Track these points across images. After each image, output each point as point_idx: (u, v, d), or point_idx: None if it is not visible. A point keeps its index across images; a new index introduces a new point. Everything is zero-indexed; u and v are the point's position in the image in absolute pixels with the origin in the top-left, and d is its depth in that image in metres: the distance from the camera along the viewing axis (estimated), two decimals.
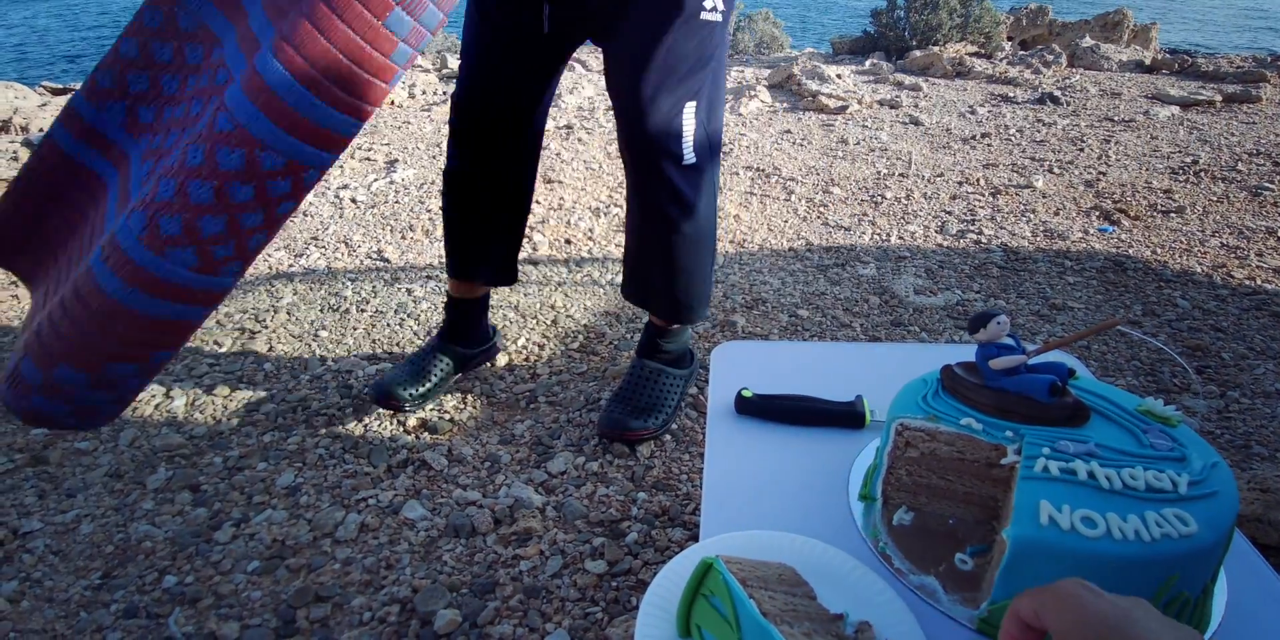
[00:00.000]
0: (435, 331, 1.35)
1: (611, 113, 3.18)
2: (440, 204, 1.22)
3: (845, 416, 0.69)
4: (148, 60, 0.66)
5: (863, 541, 0.54)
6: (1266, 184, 2.20)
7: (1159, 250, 1.79)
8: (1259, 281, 1.63)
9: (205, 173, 0.53)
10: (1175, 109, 3.10)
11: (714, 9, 0.96)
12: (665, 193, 1.03)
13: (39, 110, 3.28)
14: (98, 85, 0.67)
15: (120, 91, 0.66)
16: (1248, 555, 0.53)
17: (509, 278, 1.31)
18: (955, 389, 0.54)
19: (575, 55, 4.84)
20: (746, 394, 0.72)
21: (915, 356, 0.84)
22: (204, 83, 0.62)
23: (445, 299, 1.31)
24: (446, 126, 1.20)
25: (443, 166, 1.18)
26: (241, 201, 0.55)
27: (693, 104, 0.99)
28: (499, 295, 1.66)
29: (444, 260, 1.28)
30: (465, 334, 1.30)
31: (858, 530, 0.55)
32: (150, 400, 1.31)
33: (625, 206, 1.15)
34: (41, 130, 3.15)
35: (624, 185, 2.29)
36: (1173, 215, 2.00)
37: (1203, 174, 2.31)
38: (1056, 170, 2.37)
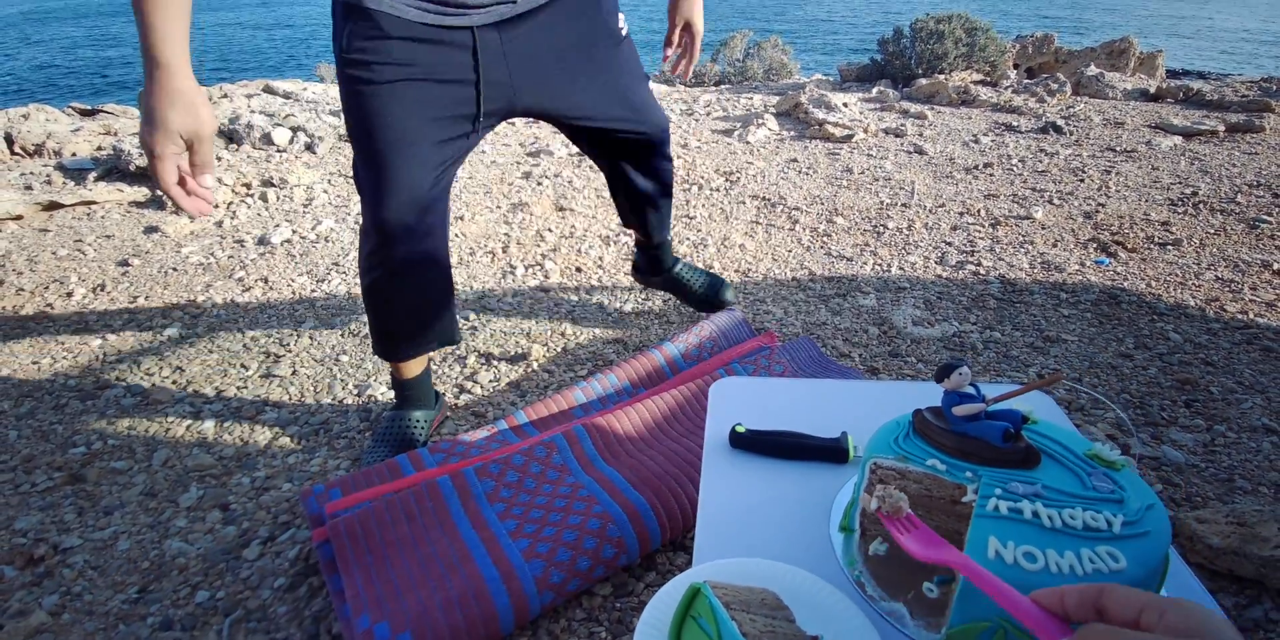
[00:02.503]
0: (381, 414, 1.36)
1: None
2: (366, 302, 1.18)
3: (831, 452, 0.75)
4: (525, 470, 1.05)
5: (841, 570, 0.59)
6: (1264, 216, 2.24)
7: (1154, 283, 1.83)
8: (1251, 315, 1.67)
9: (581, 552, 0.90)
10: (1178, 139, 3.16)
11: (622, 26, 1.20)
12: (666, 160, 1.37)
13: (72, 135, 3.41)
14: (487, 470, 1.04)
15: (496, 478, 1.03)
16: (1193, 590, 0.58)
17: (457, 335, 1.31)
18: (924, 432, 0.60)
19: None
20: (740, 429, 0.78)
21: (897, 395, 0.90)
22: (562, 489, 1.01)
23: (392, 379, 1.29)
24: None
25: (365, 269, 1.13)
26: (584, 569, 0.90)
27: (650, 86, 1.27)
28: (511, 321, 1.73)
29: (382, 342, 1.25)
30: (424, 399, 1.30)
31: (837, 559, 0.60)
32: (182, 422, 1.38)
33: (619, 183, 1.38)
34: (75, 155, 3.28)
35: None
36: (1169, 248, 2.04)
37: (1201, 206, 2.35)
38: (1056, 201, 2.43)
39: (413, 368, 1.26)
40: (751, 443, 0.77)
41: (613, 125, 1.22)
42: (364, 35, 0.94)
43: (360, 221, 1.20)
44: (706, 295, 1.64)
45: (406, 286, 1.13)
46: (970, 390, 0.59)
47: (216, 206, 2.57)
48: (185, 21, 0.77)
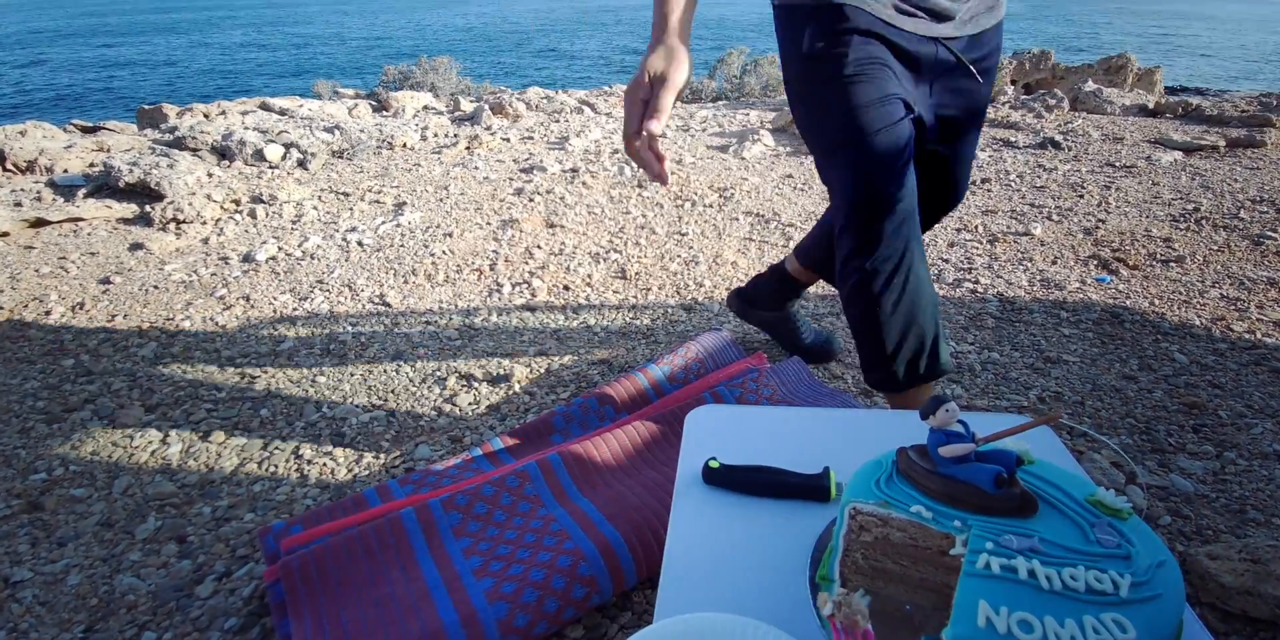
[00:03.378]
0: None
1: (618, 156, 3.25)
2: (875, 320, 1.06)
3: (811, 490, 0.69)
4: (495, 501, 1.00)
5: (819, 626, 0.53)
6: (1269, 232, 2.19)
7: (1157, 302, 1.78)
8: (1259, 335, 1.62)
9: (549, 593, 0.83)
10: (1178, 154, 3.12)
11: None
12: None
13: (65, 151, 3.39)
14: (454, 502, 0.98)
15: (464, 510, 0.98)
16: None
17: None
18: (909, 474, 0.54)
19: (584, 98, 4.93)
20: (714, 464, 0.72)
21: (885, 426, 0.84)
22: (534, 523, 0.95)
23: None
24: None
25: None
26: (553, 611, 0.83)
27: None
28: (495, 341, 1.68)
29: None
30: None
31: (814, 612, 0.55)
32: (147, 446, 1.33)
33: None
34: (66, 171, 3.26)
35: (625, 230, 2.34)
36: (1172, 265, 2.00)
37: (1204, 222, 2.31)
38: (1055, 217, 2.38)
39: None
40: (726, 479, 0.71)
41: (954, 188, 1.17)
42: (830, 32, 0.94)
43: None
44: (816, 343, 1.51)
45: (914, 291, 1.05)
46: (958, 427, 0.53)
47: (205, 223, 2.54)
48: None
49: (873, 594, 0.55)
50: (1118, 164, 2.97)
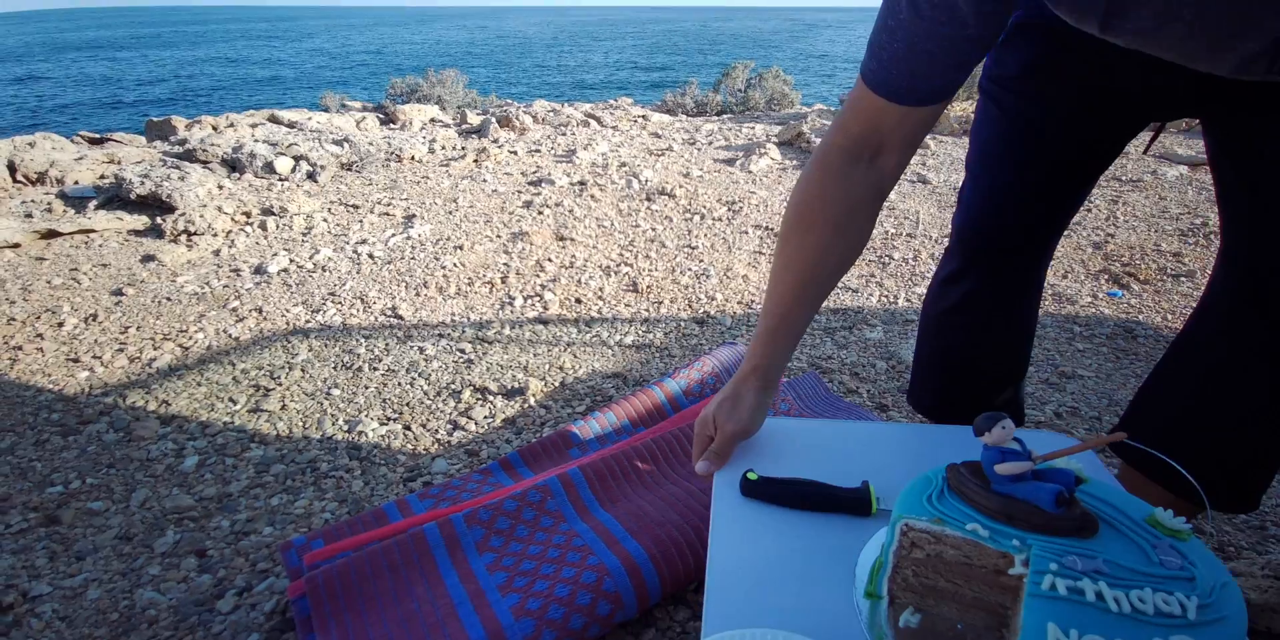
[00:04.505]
0: None
1: (625, 169, 3.27)
2: None
3: (851, 503, 0.69)
4: (517, 516, 0.98)
5: None
6: None
7: (1169, 316, 1.78)
8: None
9: (574, 609, 0.82)
10: (1184, 168, 3.14)
11: None
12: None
13: (75, 163, 3.42)
14: (477, 516, 0.97)
15: (487, 525, 0.97)
16: None
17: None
18: (961, 491, 0.54)
19: (590, 111, 5.00)
20: (751, 476, 0.72)
21: (921, 440, 0.83)
22: (556, 538, 0.94)
23: None
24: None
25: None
26: (578, 628, 0.82)
27: None
28: (509, 354, 1.69)
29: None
30: None
31: (862, 629, 0.55)
32: (164, 459, 1.33)
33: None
34: (77, 183, 3.28)
35: (635, 243, 2.35)
36: (1183, 279, 2.00)
37: (1213, 236, 2.32)
38: (1065, 231, 2.39)
39: None
40: (765, 492, 0.71)
41: None
42: None
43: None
44: None
45: None
46: (1014, 445, 0.53)
47: (216, 235, 2.55)
48: (786, 340, 0.78)
49: (923, 612, 0.55)
50: (1124, 178, 2.99)
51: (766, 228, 2.50)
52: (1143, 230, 2.39)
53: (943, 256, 1.01)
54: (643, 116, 5.10)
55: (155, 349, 1.76)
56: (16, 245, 2.50)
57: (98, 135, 5.21)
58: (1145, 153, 1.12)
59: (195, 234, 2.55)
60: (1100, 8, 0.52)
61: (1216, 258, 0.81)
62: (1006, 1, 0.59)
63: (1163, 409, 0.86)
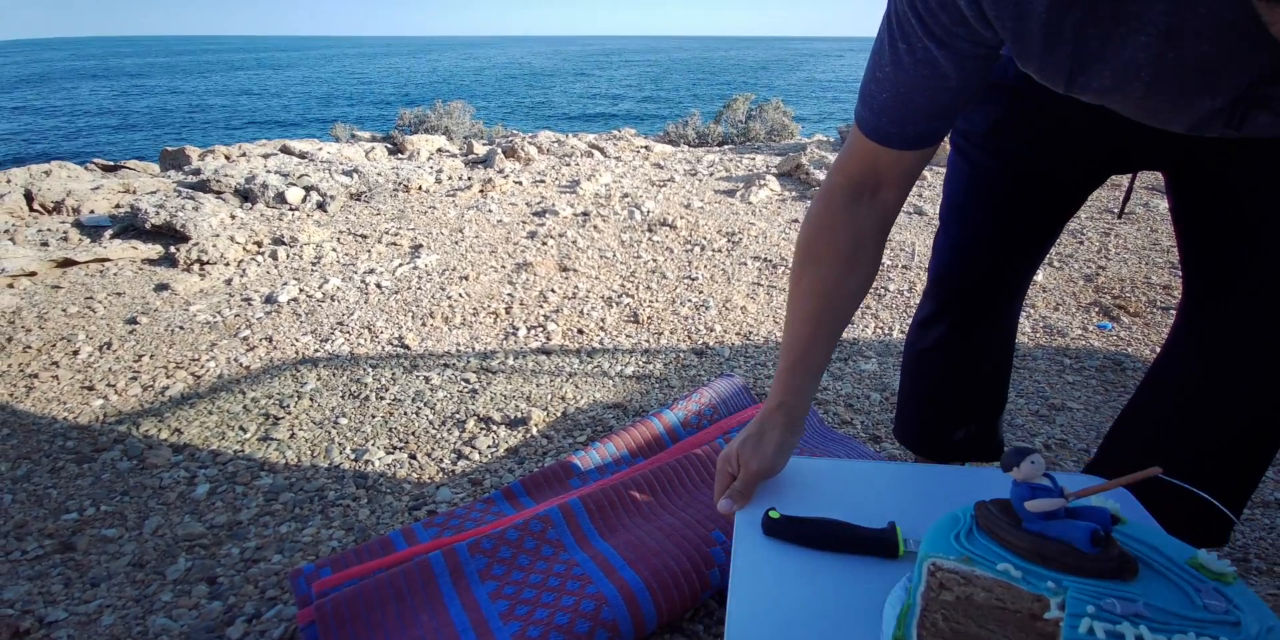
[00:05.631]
0: None
1: (627, 200, 3.35)
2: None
3: (877, 544, 0.67)
4: (519, 545, 1.02)
5: None
6: None
7: (1158, 349, 1.82)
8: None
9: (573, 637, 0.85)
10: None
11: None
12: None
13: (91, 192, 3.50)
14: (480, 546, 1.00)
15: (490, 554, 1.00)
16: None
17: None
18: (990, 529, 0.52)
19: (594, 142, 5.10)
20: (774, 515, 0.71)
21: (947, 481, 0.81)
22: (557, 568, 0.98)
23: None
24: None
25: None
26: None
27: None
28: (512, 384, 1.73)
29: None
30: None
31: None
32: (176, 487, 1.36)
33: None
34: (93, 212, 3.37)
35: (637, 274, 2.41)
36: (1172, 312, 2.04)
37: None
38: (1057, 263, 2.44)
39: None
40: (787, 530, 0.69)
41: None
42: None
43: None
44: None
45: None
46: (1045, 482, 0.51)
47: (228, 264, 2.62)
48: (807, 375, 0.79)
49: None
50: (1116, 210, 3.05)
51: (765, 259, 2.56)
52: (1134, 263, 2.44)
53: (921, 299, 1.06)
54: (646, 147, 5.21)
55: (168, 377, 1.80)
56: (33, 274, 2.56)
57: (111, 163, 5.33)
58: (1119, 216, 1.17)
59: (208, 263, 2.61)
60: (1065, 67, 0.57)
61: (1179, 305, 0.85)
62: (985, 58, 0.63)
63: (1130, 451, 0.90)
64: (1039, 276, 2.31)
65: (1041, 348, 1.84)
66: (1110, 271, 2.35)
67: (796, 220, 3.06)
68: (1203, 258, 0.80)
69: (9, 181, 3.62)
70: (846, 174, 0.75)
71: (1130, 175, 0.90)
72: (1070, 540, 0.48)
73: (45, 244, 2.86)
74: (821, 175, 3.65)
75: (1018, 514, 0.51)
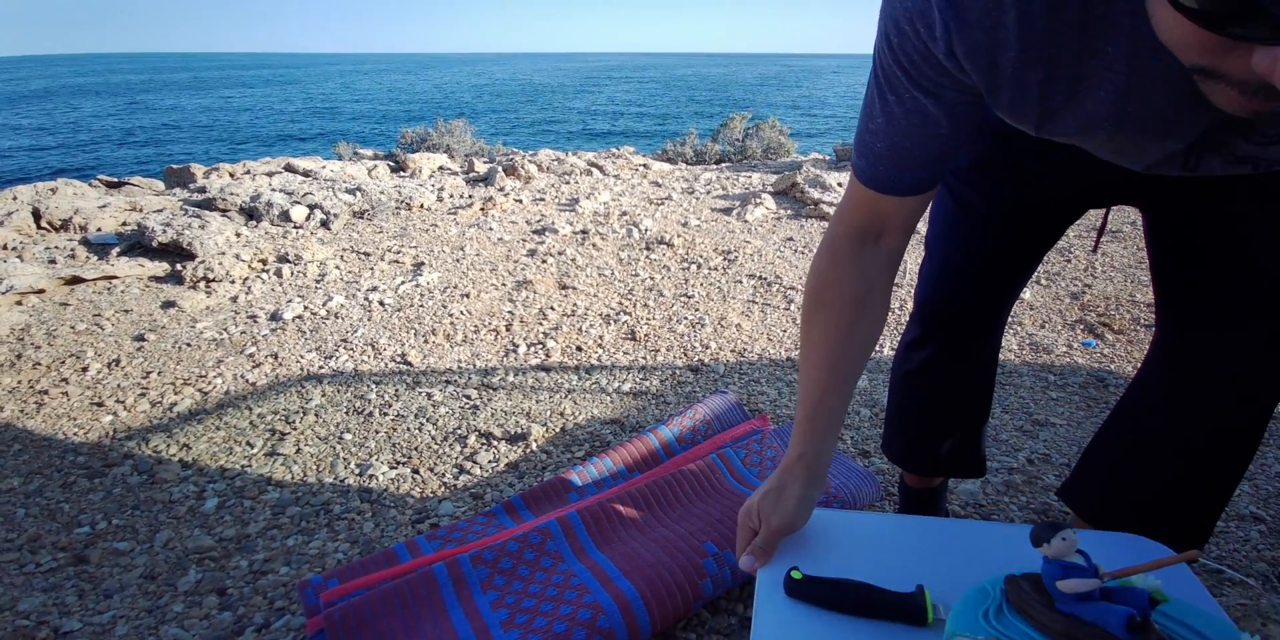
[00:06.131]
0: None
1: (625, 218, 3.41)
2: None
3: (905, 610, 0.64)
4: (519, 557, 1.06)
5: None
6: None
7: (1139, 366, 1.87)
8: None
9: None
10: None
11: None
12: (1262, 421, 0.82)
13: (99, 210, 3.57)
14: (482, 557, 1.05)
15: (491, 565, 1.04)
16: None
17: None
18: (1021, 607, 0.50)
19: (593, 160, 5.17)
20: (796, 575, 0.69)
21: (983, 537, 0.77)
22: (555, 578, 1.02)
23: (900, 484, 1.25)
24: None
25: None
26: None
27: None
28: (513, 400, 1.77)
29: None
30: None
31: None
32: (185, 501, 1.40)
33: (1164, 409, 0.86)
34: (100, 230, 3.43)
35: (634, 292, 2.46)
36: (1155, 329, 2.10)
37: None
38: (1044, 282, 2.50)
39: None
40: (810, 592, 0.66)
41: None
42: None
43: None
44: None
45: None
46: (1078, 559, 0.49)
47: (234, 282, 2.67)
48: (826, 425, 0.78)
49: None
50: (1110, 213, 3.12)
51: (760, 277, 2.62)
52: (1120, 281, 2.50)
53: (908, 322, 1.11)
54: (644, 165, 5.30)
55: (176, 393, 1.85)
56: (41, 291, 2.61)
57: (116, 180, 5.40)
58: (1093, 252, 1.21)
59: (214, 281, 2.67)
60: (1034, 116, 0.62)
61: (1154, 333, 0.89)
62: (973, 104, 0.66)
63: (1102, 476, 0.94)
64: (1026, 294, 2.37)
65: (1027, 364, 1.89)
66: (1096, 289, 2.41)
67: (791, 238, 3.12)
68: (1174, 290, 0.83)
69: (15, 199, 3.69)
70: (849, 223, 0.77)
71: (1104, 210, 0.96)
72: (1104, 624, 0.46)
73: (53, 261, 2.91)
74: (816, 193, 3.72)
75: (1050, 592, 0.49)
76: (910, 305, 2.33)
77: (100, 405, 1.80)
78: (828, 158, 5.69)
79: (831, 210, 3.51)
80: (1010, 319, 2.18)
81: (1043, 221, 0.94)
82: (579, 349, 2.06)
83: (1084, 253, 2.80)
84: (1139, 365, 1.81)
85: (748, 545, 0.76)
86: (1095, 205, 0.92)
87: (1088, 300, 2.32)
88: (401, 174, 5.10)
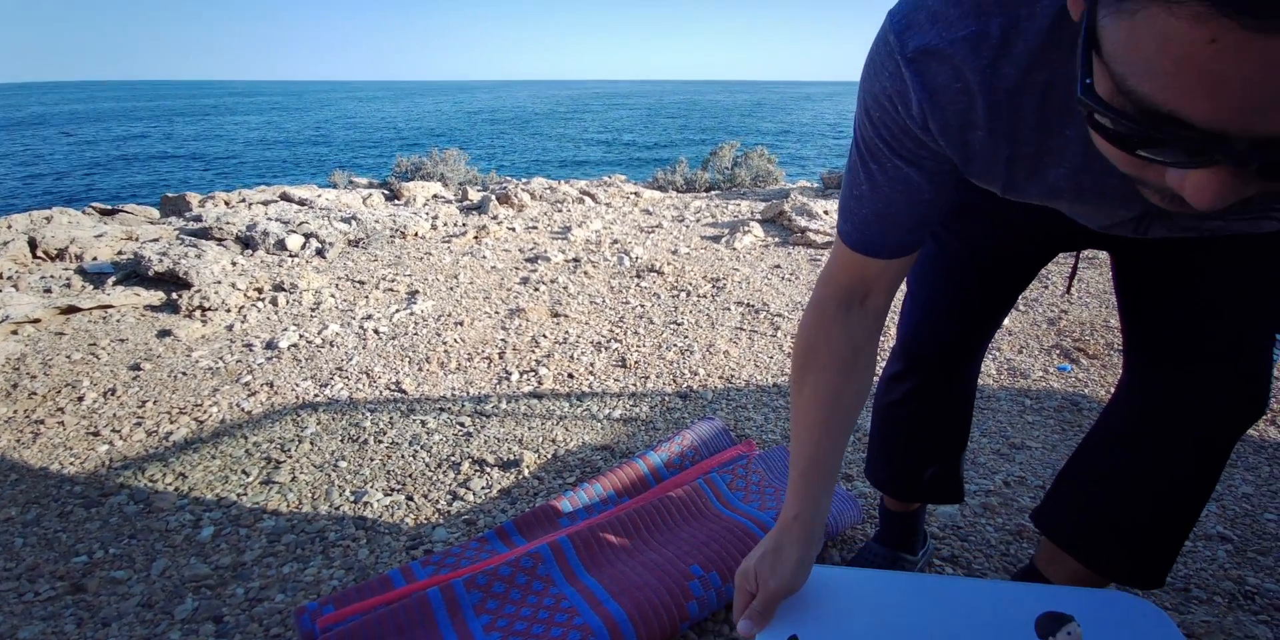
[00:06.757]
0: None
1: (617, 246, 3.48)
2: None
3: None
4: (512, 581, 1.10)
5: None
6: None
7: (1113, 390, 1.93)
8: None
9: None
10: None
11: None
12: (1221, 455, 0.85)
13: (95, 240, 3.60)
14: (475, 581, 1.08)
15: (484, 589, 1.08)
16: None
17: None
18: None
19: (585, 188, 5.26)
20: None
21: (984, 596, 0.77)
22: (546, 601, 1.06)
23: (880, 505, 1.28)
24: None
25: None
26: None
27: None
28: (505, 427, 1.81)
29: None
30: (908, 543, 1.25)
31: None
32: (181, 529, 1.43)
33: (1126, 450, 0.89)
34: (95, 259, 3.46)
35: (625, 319, 2.52)
36: None
37: None
38: (1023, 307, 2.57)
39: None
40: None
41: None
42: None
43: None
44: None
45: None
46: None
47: (229, 311, 2.71)
48: (821, 483, 0.78)
49: None
50: (1081, 255, 3.21)
51: (748, 304, 2.68)
52: (1095, 307, 2.57)
53: (890, 356, 1.16)
54: (635, 193, 5.40)
55: (172, 422, 1.87)
56: (37, 320, 2.64)
57: (110, 207, 5.45)
58: (1067, 292, 1.28)
59: (210, 309, 2.70)
60: (1001, 183, 0.67)
61: (1123, 368, 0.94)
62: (954, 172, 0.70)
63: (1071, 505, 0.97)
64: (1005, 321, 2.44)
65: (1005, 389, 1.95)
66: (1072, 315, 2.48)
67: (779, 266, 3.20)
68: (1138, 328, 0.89)
69: (10, 227, 3.72)
70: (836, 285, 0.81)
71: (1075, 254, 1.02)
72: None
73: (49, 291, 2.95)
74: (803, 221, 3.81)
75: None
76: (892, 331, 2.39)
77: (96, 435, 1.82)
78: (815, 185, 5.81)
79: (818, 238, 3.59)
80: (990, 345, 2.25)
81: (1017, 265, 1.00)
82: (570, 376, 2.10)
83: (1061, 279, 2.88)
84: (1112, 390, 1.88)
85: (745, 608, 0.76)
86: (1066, 249, 0.98)
87: (1064, 326, 2.39)
88: (396, 202, 5.17)
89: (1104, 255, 3.21)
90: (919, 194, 0.70)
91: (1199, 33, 0.31)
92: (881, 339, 1.08)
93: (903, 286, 1.07)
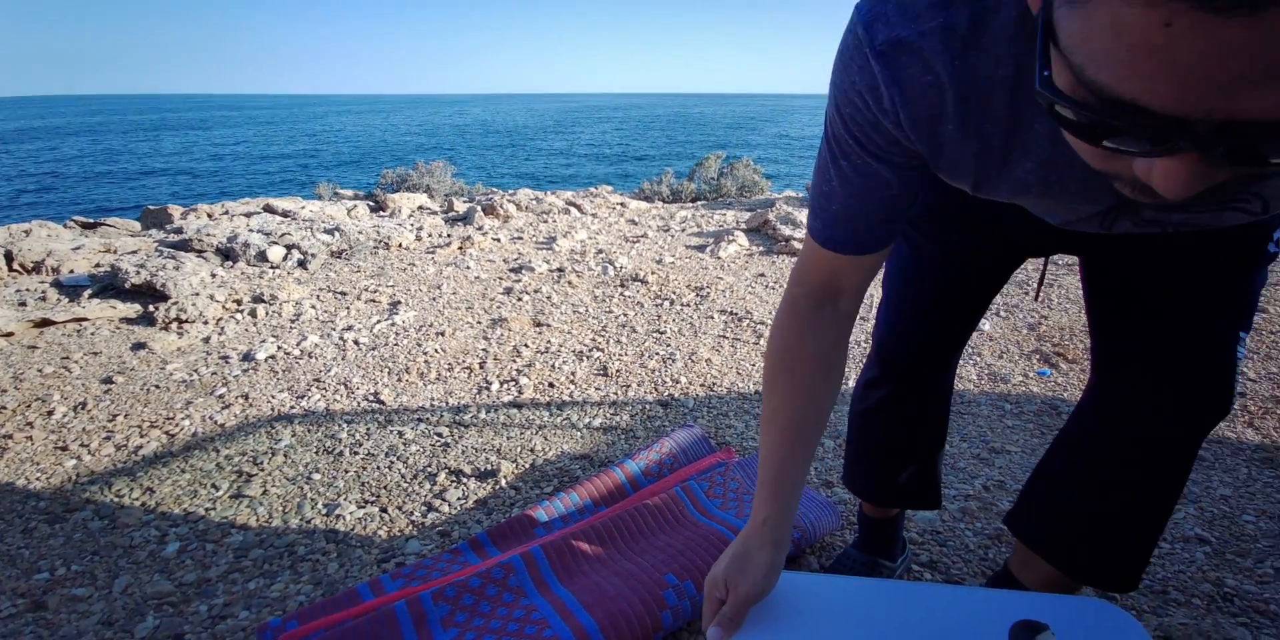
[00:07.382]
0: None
1: (601, 256, 3.47)
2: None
3: None
4: (481, 593, 1.08)
5: None
6: None
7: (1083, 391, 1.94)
8: None
9: None
10: None
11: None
12: (1189, 454, 0.84)
13: (72, 252, 3.56)
14: (443, 594, 1.06)
15: (453, 601, 1.06)
16: None
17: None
18: None
19: (571, 199, 5.26)
20: None
21: (955, 602, 0.76)
22: (516, 613, 1.05)
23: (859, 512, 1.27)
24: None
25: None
26: None
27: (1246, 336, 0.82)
28: (484, 437, 1.79)
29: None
30: (886, 549, 1.24)
31: None
32: (146, 545, 1.39)
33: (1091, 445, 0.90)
34: (72, 272, 3.42)
35: (607, 328, 2.50)
36: None
37: None
38: (1003, 313, 2.58)
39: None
40: None
41: None
42: None
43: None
44: None
45: None
46: None
47: (206, 322, 2.67)
48: (789, 486, 0.78)
49: None
50: (1059, 262, 3.23)
51: (731, 313, 2.67)
52: (1074, 311, 2.58)
53: (865, 362, 1.15)
54: (621, 204, 5.40)
55: (142, 436, 1.84)
56: (10, 334, 2.60)
57: (91, 221, 5.39)
58: (1036, 299, 1.27)
59: (186, 322, 2.67)
60: (970, 178, 0.67)
61: (1090, 372, 0.93)
62: (922, 168, 0.70)
63: (1042, 508, 0.97)
64: (985, 326, 2.44)
65: (985, 394, 1.95)
66: (1051, 320, 2.49)
67: (763, 274, 3.20)
68: (1104, 332, 0.88)
69: None
70: (808, 284, 0.81)
71: (1044, 260, 1.02)
72: None
73: (23, 304, 2.90)
74: (787, 230, 3.82)
75: None
76: (868, 342, 2.39)
77: (64, 449, 1.78)
78: (800, 195, 5.85)
79: (802, 247, 3.60)
80: (970, 350, 2.25)
81: (988, 269, 1.00)
82: (551, 385, 2.08)
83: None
84: None
85: (715, 615, 0.75)
86: (1036, 254, 0.98)
87: (1044, 331, 2.39)
88: (381, 214, 5.15)
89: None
90: (886, 190, 0.70)
91: (1153, 17, 0.31)
92: (857, 345, 1.07)
93: (879, 293, 1.07)
